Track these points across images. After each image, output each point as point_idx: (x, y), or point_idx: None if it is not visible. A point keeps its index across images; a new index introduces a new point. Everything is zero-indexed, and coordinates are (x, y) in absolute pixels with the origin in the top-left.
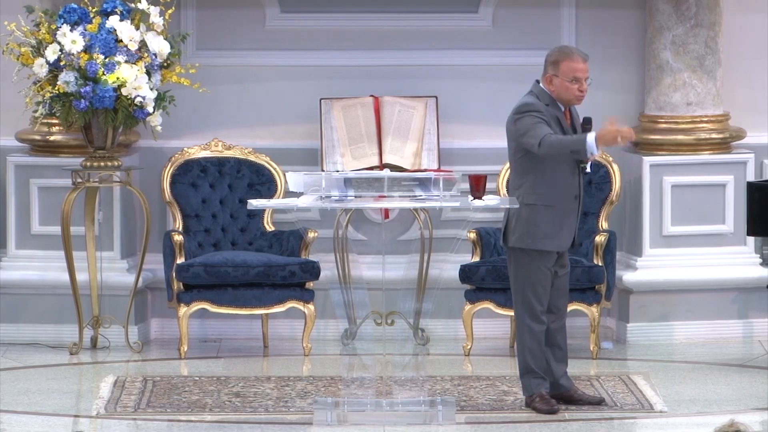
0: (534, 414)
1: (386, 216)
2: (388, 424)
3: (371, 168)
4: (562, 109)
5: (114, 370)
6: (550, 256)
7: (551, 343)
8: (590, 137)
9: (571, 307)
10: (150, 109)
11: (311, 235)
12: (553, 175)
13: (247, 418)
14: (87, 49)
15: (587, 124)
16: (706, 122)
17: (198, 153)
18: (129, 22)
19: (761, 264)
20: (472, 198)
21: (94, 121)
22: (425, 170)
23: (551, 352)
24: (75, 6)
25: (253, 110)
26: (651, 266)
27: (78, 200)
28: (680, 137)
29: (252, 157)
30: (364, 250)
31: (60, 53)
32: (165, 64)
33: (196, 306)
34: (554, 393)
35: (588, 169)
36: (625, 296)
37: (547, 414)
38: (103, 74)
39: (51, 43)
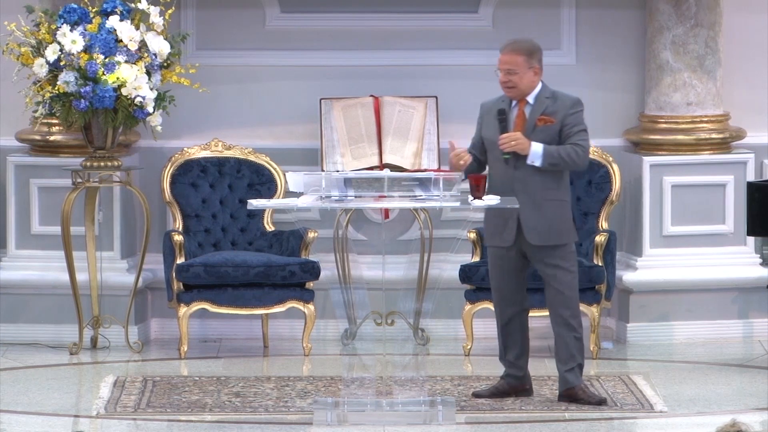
0: (534, 414)
1: (386, 216)
2: (388, 424)
3: (371, 168)
4: (511, 102)
5: (114, 370)
6: (498, 251)
7: (514, 337)
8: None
9: None
10: (150, 109)
11: (311, 235)
12: (492, 173)
13: (247, 418)
14: (87, 49)
15: (501, 115)
16: (706, 122)
17: (198, 153)
18: (129, 22)
19: (761, 264)
20: (472, 198)
21: (94, 121)
22: (425, 170)
23: (514, 347)
24: (75, 6)
25: (253, 110)
26: (651, 266)
27: (78, 200)
28: (680, 137)
29: (252, 157)
30: (364, 250)
31: (60, 53)
32: (165, 64)
33: (196, 306)
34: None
35: (530, 161)
36: (625, 296)
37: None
38: (103, 74)
39: (51, 43)
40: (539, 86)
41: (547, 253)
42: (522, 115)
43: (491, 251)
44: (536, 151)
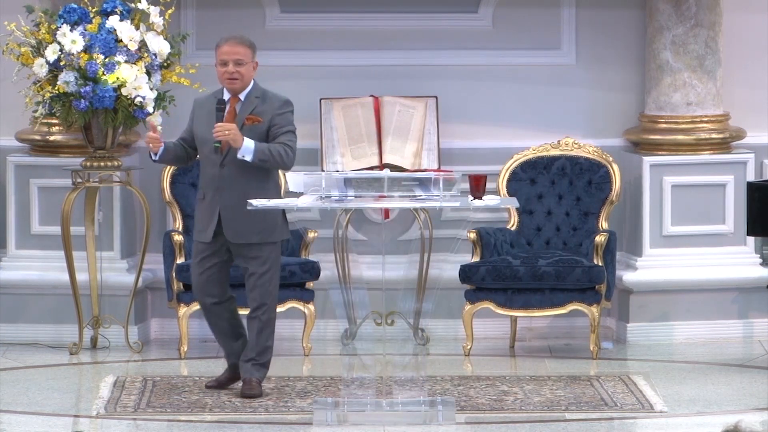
0: (534, 414)
1: (386, 216)
2: (388, 424)
3: (371, 168)
4: (226, 96)
5: (114, 370)
6: (200, 245)
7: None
8: None
9: (570, 307)
10: (150, 109)
11: (311, 235)
12: (202, 170)
13: (247, 418)
14: (87, 49)
15: (220, 104)
16: (706, 122)
17: None
18: (129, 22)
19: (761, 264)
20: (472, 198)
21: (94, 121)
22: (425, 170)
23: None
24: (75, 6)
25: None
26: (651, 266)
27: (78, 200)
28: (680, 137)
29: None
30: (364, 250)
31: (60, 53)
32: (165, 64)
33: (196, 306)
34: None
35: (240, 155)
36: (625, 296)
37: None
38: (103, 74)
39: (51, 43)
40: (251, 84)
41: (249, 249)
42: (233, 112)
43: (195, 244)
44: (248, 146)
